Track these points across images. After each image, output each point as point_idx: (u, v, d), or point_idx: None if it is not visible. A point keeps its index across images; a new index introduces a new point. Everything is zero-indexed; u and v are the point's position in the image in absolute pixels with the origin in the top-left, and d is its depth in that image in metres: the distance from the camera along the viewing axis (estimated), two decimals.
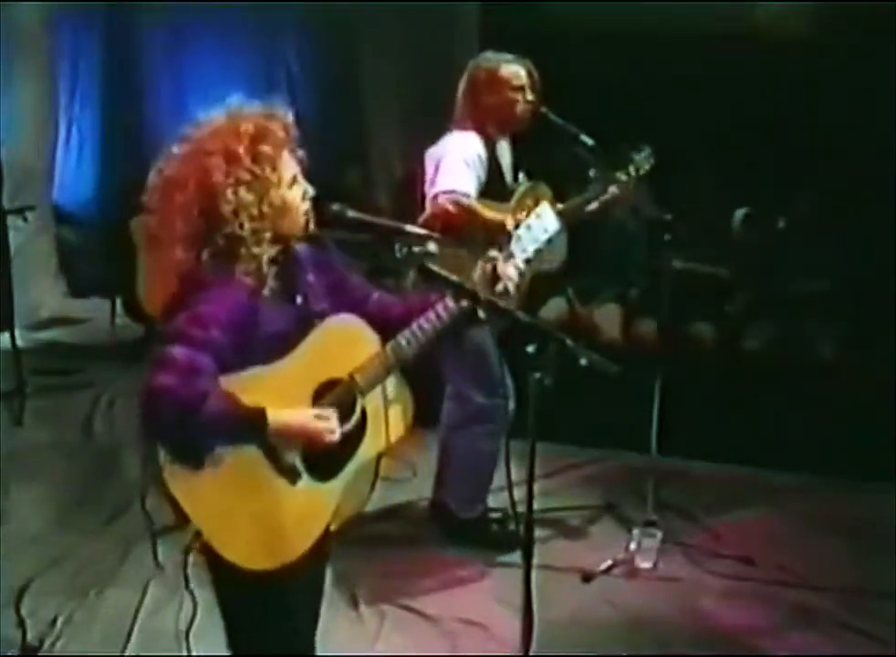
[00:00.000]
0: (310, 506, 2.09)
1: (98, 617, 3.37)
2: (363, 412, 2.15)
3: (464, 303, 2.20)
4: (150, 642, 3.23)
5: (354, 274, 2.29)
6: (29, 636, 3.24)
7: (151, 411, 1.89)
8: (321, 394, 2.10)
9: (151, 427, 1.94)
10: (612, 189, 3.66)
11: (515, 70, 3.60)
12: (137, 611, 3.37)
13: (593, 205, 3.66)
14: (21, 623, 3.30)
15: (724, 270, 5.03)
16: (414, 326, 2.17)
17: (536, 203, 3.61)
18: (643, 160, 3.74)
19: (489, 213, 3.45)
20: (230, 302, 1.95)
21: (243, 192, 1.96)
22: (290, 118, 2.07)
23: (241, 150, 1.97)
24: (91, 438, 4.91)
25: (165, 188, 2.01)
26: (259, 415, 1.94)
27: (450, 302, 2.20)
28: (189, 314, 1.91)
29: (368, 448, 2.17)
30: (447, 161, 3.48)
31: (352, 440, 2.14)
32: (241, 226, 1.96)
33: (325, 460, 2.09)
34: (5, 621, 3.31)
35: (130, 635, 3.24)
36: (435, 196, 3.44)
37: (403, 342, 2.16)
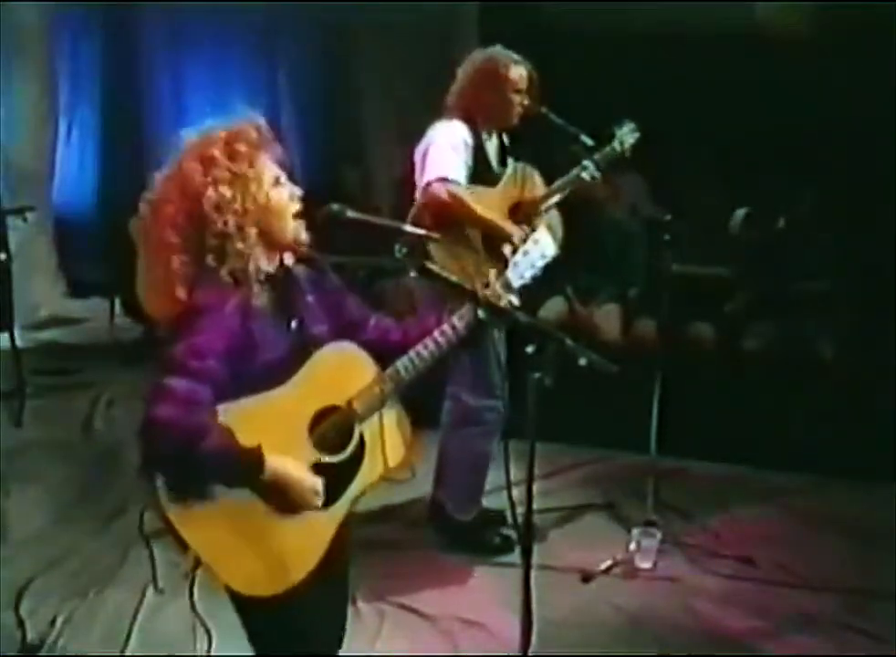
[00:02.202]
0: (310, 533, 2.09)
1: (97, 617, 3.37)
2: (361, 439, 2.15)
3: (464, 316, 2.19)
4: (149, 642, 3.23)
5: (352, 297, 2.29)
6: (29, 636, 3.24)
7: (150, 443, 1.90)
8: (319, 422, 2.10)
9: (150, 457, 1.95)
10: (596, 160, 3.66)
11: (521, 73, 3.62)
12: (137, 611, 3.37)
13: (595, 172, 3.65)
14: (21, 623, 3.30)
15: (723, 270, 5.03)
16: (412, 353, 2.17)
17: (524, 186, 3.63)
18: (626, 133, 3.74)
19: (479, 208, 3.46)
20: (225, 330, 1.95)
21: (223, 188, 1.98)
22: (262, 121, 2.08)
23: (215, 151, 2.00)
24: (91, 438, 4.90)
25: (153, 209, 2.05)
26: (256, 459, 1.94)
27: (447, 328, 2.19)
28: (185, 345, 1.92)
29: (366, 474, 2.17)
30: (434, 150, 3.49)
31: (351, 467, 2.14)
32: (226, 223, 1.98)
33: (325, 487, 2.09)
34: (5, 621, 3.31)
35: (129, 635, 3.25)
36: (427, 185, 3.44)
37: (401, 369, 2.16)
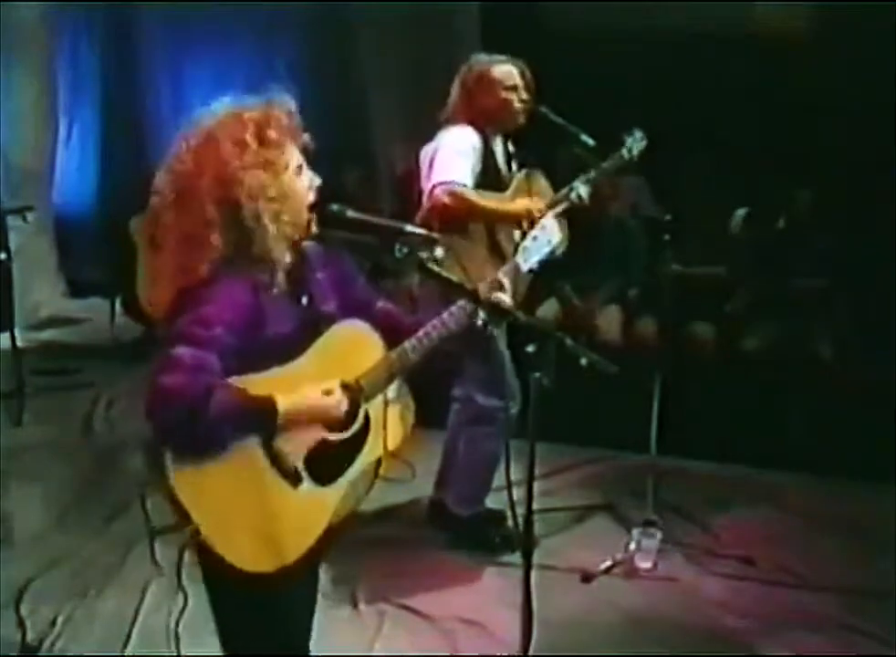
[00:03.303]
0: (310, 510, 2.10)
1: (97, 617, 3.37)
2: (366, 418, 2.16)
3: (467, 305, 2.20)
4: (149, 642, 3.22)
5: (360, 277, 2.30)
6: (29, 636, 3.24)
7: (159, 413, 1.89)
8: None
9: (160, 428, 1.93)
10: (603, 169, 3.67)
11: (507, 70, 3.61)
12: (137, 611, 3.37)
13: (584, 191, 3.63)
14: (21, 623, 3.30)
15: (723, 270, 5.03)
16: (420, 333, 2.18)
17: (532, 192, 3.63)
18: (635, 142, 3.75)
19: (486, 201, 3.46)
20: (233, 301, 1.95)
21: (257, 174, 1.97)
22: (293, 106, 2.07)
23: (248, 136, 1.98)
24: (91, 438, 4.90)
25: (180, 181, 2.01)
26: (268, 403, 1.95)
27: (455, 310, 2.20)
28: (192, 315, 1.91)
29: (369, 453, 2.18)
30: (441, 154, 3.48)
31: (355, 444, 2.15)
32: (259, 210, 1.97)
33: (327, 464, 2.10)
34: (5, 621, 3.31)
35: (129, 635, 3.24)
36: (432, 189, 3.44)
37: (409, 349, 2.17)
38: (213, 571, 2.07)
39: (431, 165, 3.51)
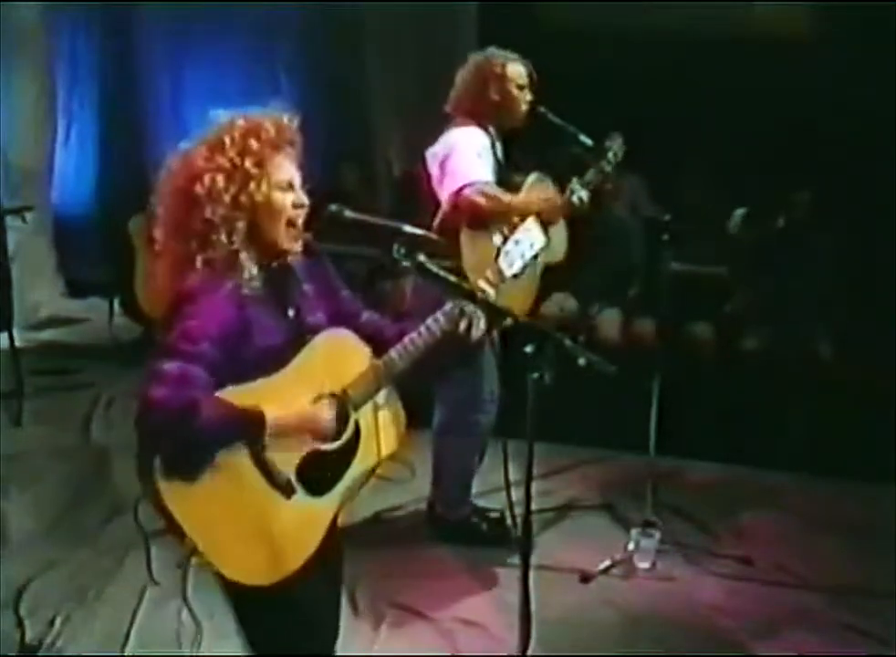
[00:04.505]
0: (305, 521, 2.10)
1: (96, 617, 3.36)
2: (356, 427, 2.16)
3: (456, 306, 2.21)
4: (148, 642, 3.22)
5: (345, 289, 2.30)
6: (28, 636, 3.24)
7: (146, 425, 1.92)
8: None
9: (148, 440, 1.96)
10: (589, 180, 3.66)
11: (519, 69, 3.61)
12: (135, 612, 3.37)
13: (584, 194, 3.62)
14: (20, 623, 3.30)
15: (723, 270, 5.03)
16: (406, 340, 2.19)
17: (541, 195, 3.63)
18: (619, 147, 3.74)
19: (516, 199, 3.45)
20: (219, 316, 1.96)
21: (219, 178, 1.99)
22: (292, 123, 2.08)
23: (227, 140, 2.00)
24: (90, 438, 4.90)
25: (168, 180, 2.05)
26: (256, 414, 1.96)
27: (439, 315, 2.21)
28: (178, 330, 1.93)
29: (361, 462, 2.18)
30: (459, 155, 3.45)
31: (346, 454, 2.15)
32: (213, 212, 1.98)
33: (319, 475, 2.10)
34: (5, 621, 3.31)
35: (128, 635, 3.24)
36: (460, 190, 3.39)
37: (396, 356, 2.18)
38: (228, 581, 2.06)
39: (443, 167, 3.47)
